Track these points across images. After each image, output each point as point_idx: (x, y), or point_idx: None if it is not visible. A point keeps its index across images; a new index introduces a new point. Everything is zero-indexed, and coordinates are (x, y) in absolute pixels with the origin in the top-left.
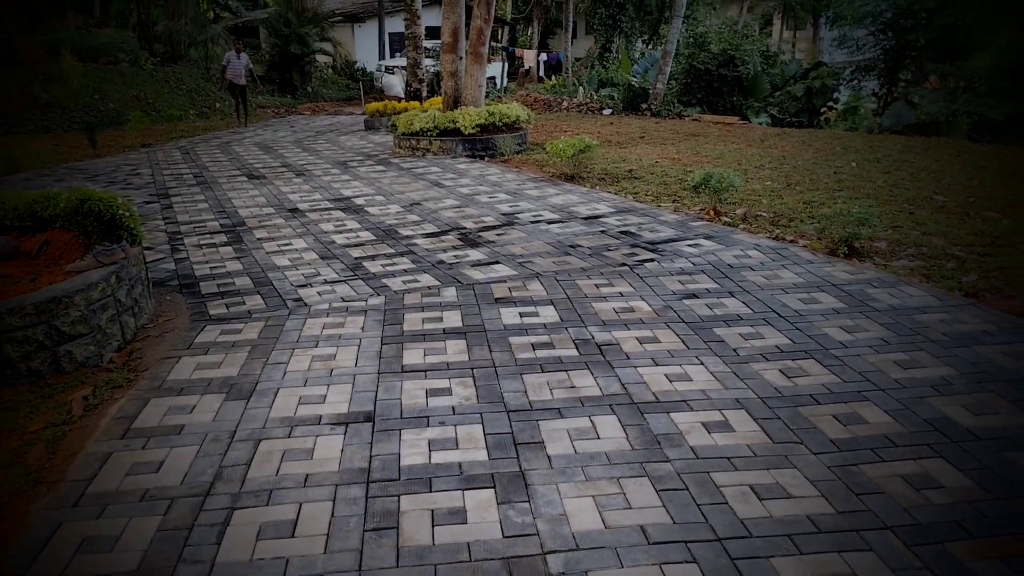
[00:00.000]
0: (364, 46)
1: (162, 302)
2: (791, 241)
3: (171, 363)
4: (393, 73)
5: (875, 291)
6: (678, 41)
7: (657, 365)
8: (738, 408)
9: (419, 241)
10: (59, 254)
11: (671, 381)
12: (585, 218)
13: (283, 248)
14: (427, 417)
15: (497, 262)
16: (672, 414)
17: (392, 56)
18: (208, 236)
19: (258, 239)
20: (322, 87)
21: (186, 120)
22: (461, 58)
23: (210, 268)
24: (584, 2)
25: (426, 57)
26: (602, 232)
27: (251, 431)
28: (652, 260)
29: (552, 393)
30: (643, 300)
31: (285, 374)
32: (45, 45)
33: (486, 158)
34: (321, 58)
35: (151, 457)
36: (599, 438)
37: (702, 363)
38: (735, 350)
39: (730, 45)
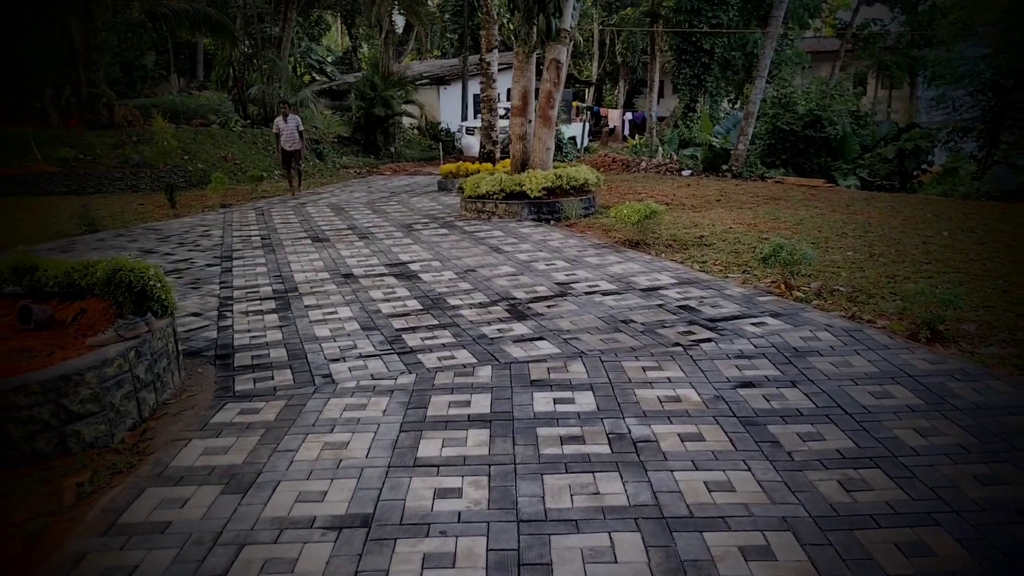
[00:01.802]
0: (449, 107)
1: (193, 374)
2: (868, 321)
3: (180, 446)
4: (473, 134)
5: (957, 385)
6: (762, 101)
7: (697, 469)
8: (784, 529)
9: (465, 312)
10: (92, 323)
11: (710, 490)
12: (643, 290)
13: (327, 317)
14: (428, 524)
15: (542, 338)
16: (706, 534)
17: (475, 117)
18: (257, 302)
19: (305, 306)
20: (405, 147)
21: (269, 180)
22: (530, 121)
23: (250, 338)
24: (670, 62)
25: (502, 119)
26: (659, 306)
27: (237, 533)
28: (709, 340)
29: (572, 500)
30: (692, 388)
31: (291, 464)
32: (141, 108)
33: (551, 222)
34: (407, 120)
35: (125, 561)
36: (616, 562)
37: (749, 469)
38: (789, 454)
39: (817, 105)
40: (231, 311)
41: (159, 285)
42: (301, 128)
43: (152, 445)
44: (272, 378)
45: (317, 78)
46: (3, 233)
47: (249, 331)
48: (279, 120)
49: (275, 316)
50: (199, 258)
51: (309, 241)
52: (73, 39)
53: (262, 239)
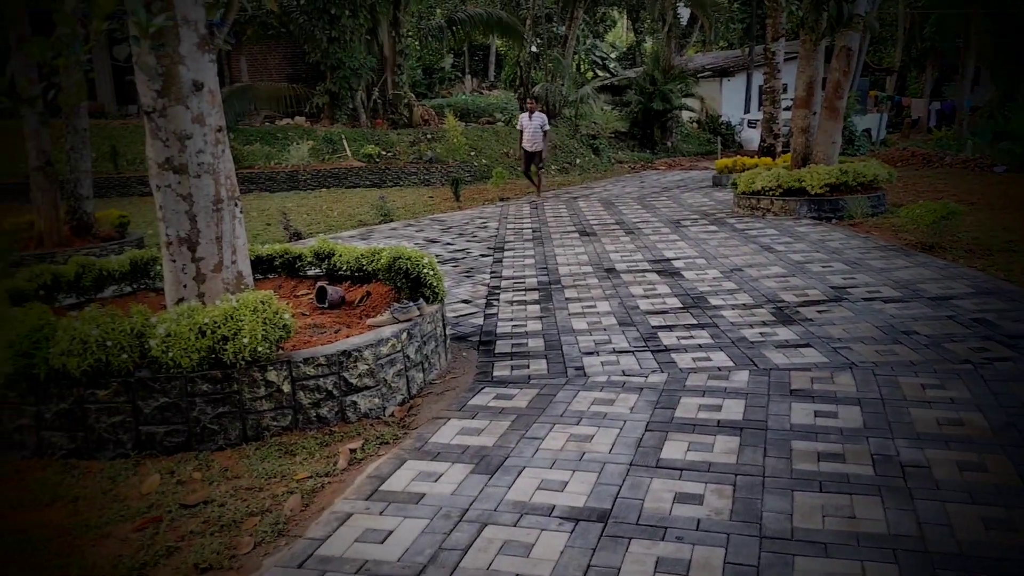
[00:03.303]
0: (731, 99)
1: (458, 357)
2: None
3: (439, 424)
4: (754, 127)
5: None
6: None
7: (974, 503)
8: None
9: (726, 313)
10: (374, 305)
11: (987, 528)
12: (933, 298)
13: (586, 310)
14: (665, 528)
15: (808, 344)
16: None
17: (758, 109)
18: (522, 293)
19: (566, 299)
20: (682, 141)
21: (546, 175)
22: (815, 113)
23: (512, 326)
24: (988, 45)
25: (785, 111)
26: (949, 317)
27: (481, 512)
28: (1007, 359)
29: (824, 522)
30: (980, 411)
31: (536, 452)
32: (436, 107)
33: (832, 220)
34: (685, 114)
35: (383, 525)
36: None
37: None
38: None
39: None
40: (497, 300)
41: (431, 273)
42: (546, 127)
43: (416, 421)
44: (528, 367)
45: (599, 74)
46: (317, 221)
47: (512, 320)
48: (523, 117)
49: (537, 307)
50: (475, 248)
51: (577, 235)
52: (383, 46)
53: (533, 232)
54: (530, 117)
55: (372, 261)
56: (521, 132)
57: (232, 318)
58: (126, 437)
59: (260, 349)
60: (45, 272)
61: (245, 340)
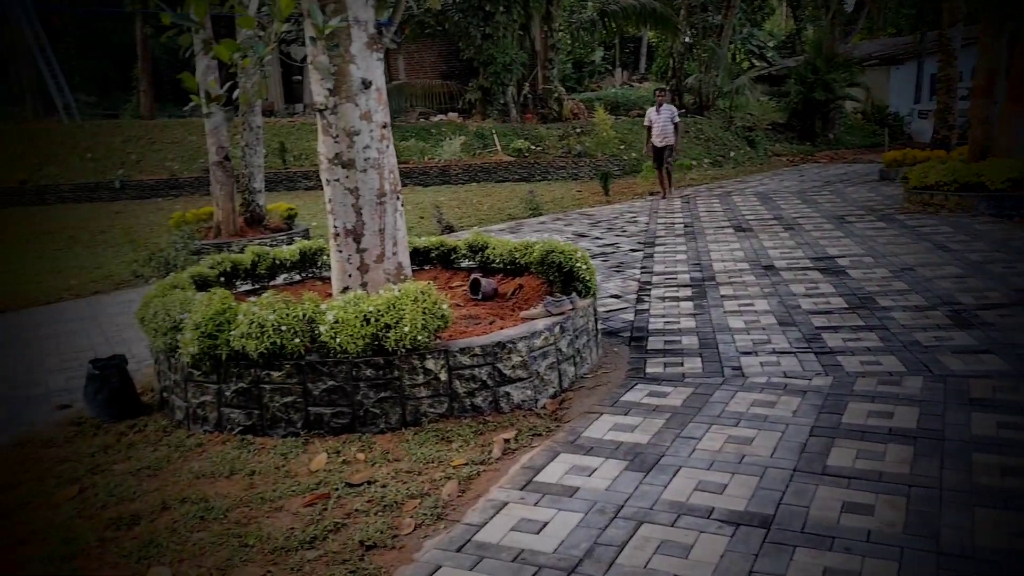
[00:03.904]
0: (899, 89)
1: (608, 352)
2: None
3: (591, 419)
4: (925, 118)
5: None
6: None
7: None
8: None
9: (897, 315)
10: (526, 298)
11: None
12: None
13: (742, 308)
14: (833, 538)
15: (988, 351)
16: None
17: (930, 99)
18: (674, 289)
19: (721, 296)
20: (845, 134)
21: (699, 169)
22: (996, 103)
23: (664, 323)
24: None
25: (962, 100)
26: None
27: (637, 510)
28: None
29: (1008, 540)
30: None
31: (693, 452)
32: (586, 101)
33: (1015, 219)
34: (849, 104)
35: (538, 516)
36: None
37: None
38: None
39: None
40: (648, 296)
41: (584, 267)
42: (676, 120)
43: (568, 414)
44: (682, 364)
45: (755, 64)
46: (468, 214)
47: (664, 316)
48: (651, 111)
49: (690, 304)
50: (624, 243)
51: (731, 230)
52: (535, 41)
53: (685, 227)
54: (658, 111)
55: (525, 254)
56: (649, 129)
57: (394, 307)
58: (296, 417)
59: (420, 338)
60: (226, 260)
61: (406, 328)
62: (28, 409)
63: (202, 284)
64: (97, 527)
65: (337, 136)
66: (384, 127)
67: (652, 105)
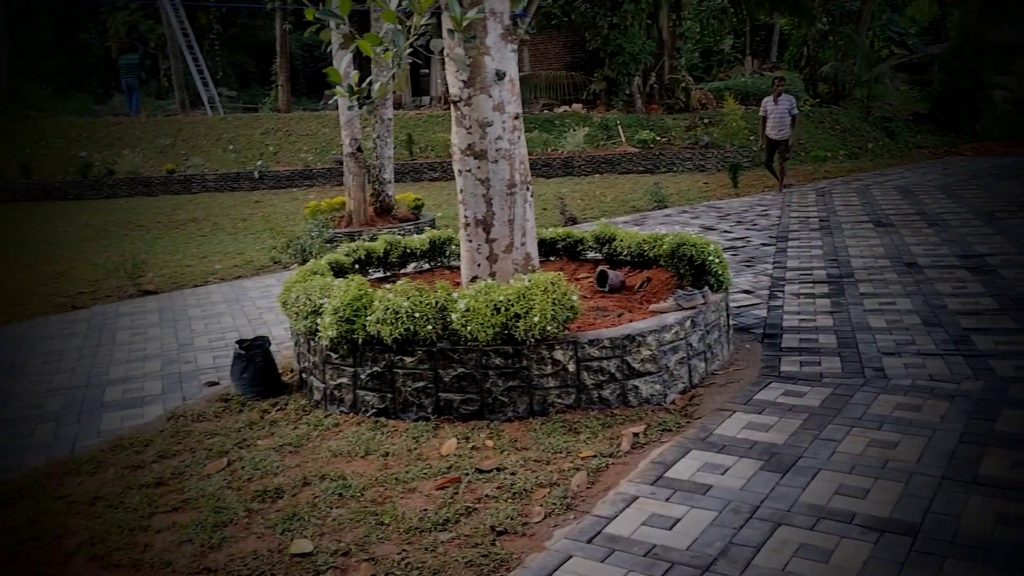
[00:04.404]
0: None
1: (740, 349)
2: None
3: (723, 416)
4: None
5: None
6: None
7: None
8: None
9: None
10: (655, 291)
11: None
12: None
13: (883, 307)
14: (986, 551)
15: None
16: None
17: None
18: (810, 285)
19: (860, 294)
20: (993, 125)
21: (834, 160)
22: None
23: (799, 320)
24: None
25: None
26: None
27: (773, 511)
28: None
29: None
30: None
31: (832, 454)
32: (714, 90)
33: None
34: (999, 93)
35: (670, 512)
36: None
37: None
38: None
39: None
40: (782, 292)
41: (717, 261)
42: (795, 112)
43: (698, 411)
44: (819, 363)
45: (895, 51)
46: (591, 206)
47: (799, 313)
48: (766, 102)
49: (827, 301)
50: (755, 237)
51: (871, 225)
52: (663, 30)
53: (820, 221)
54: (776, 101)
55: (654, 247)
56: (764, 119)
57: (524, 297)
58: (427, 401)
59: (549, 328)
60: (360, 248)
61: (536, 319)
62: (181, 385)
63: (338, 271)
64: (244, 498)
65: (470, 127)
66: (516, 118)
67: (769, 95)
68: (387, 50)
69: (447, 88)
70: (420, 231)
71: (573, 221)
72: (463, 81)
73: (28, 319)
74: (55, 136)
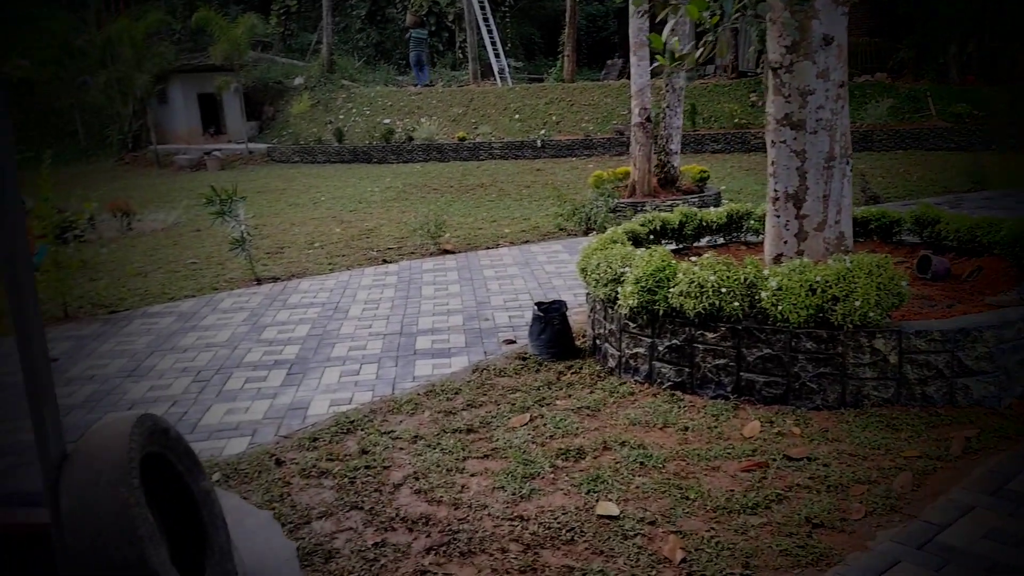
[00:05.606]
0: None
1: None
2: None
3: None
4: None
5: None
6: None
7: None
8: None
9: None
10: (988, 282)
11: None
12: None
13: None
14: None
15: None
16: None
17: None
18: None
19: None
20: None
21: None
22: None
23: None
24: None
25: None
26: None
27: None
28: None
29: None
30: None
31: None
32: None
33: None
34: None
35: (1014, 528)
36: None
37: None
38: None
39: None
40: None
41: None
42: None
43: None
44: None
45: None
46: (895, 184)
47: None
48: None
49: None
50: None
51: None
52: None
53: None
54: None
55: (990, 232)
56: None
57: (845, 279)
58: (727, 380)
59: (871, 315)
60: (656, 219)
61: (857, 303)
62: (482, 340)
63: (634, 240)
64: (548, 454)
65: (789, 96)
66: (841, 86)
67: None
68: (714, 14)
69: (759, 55)
70: (704, 204)
71: (875, 200)
72: (785, 47)
73: (347, 269)
74: (364, 104)
